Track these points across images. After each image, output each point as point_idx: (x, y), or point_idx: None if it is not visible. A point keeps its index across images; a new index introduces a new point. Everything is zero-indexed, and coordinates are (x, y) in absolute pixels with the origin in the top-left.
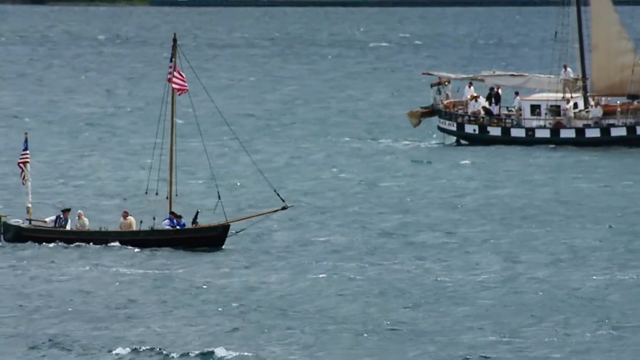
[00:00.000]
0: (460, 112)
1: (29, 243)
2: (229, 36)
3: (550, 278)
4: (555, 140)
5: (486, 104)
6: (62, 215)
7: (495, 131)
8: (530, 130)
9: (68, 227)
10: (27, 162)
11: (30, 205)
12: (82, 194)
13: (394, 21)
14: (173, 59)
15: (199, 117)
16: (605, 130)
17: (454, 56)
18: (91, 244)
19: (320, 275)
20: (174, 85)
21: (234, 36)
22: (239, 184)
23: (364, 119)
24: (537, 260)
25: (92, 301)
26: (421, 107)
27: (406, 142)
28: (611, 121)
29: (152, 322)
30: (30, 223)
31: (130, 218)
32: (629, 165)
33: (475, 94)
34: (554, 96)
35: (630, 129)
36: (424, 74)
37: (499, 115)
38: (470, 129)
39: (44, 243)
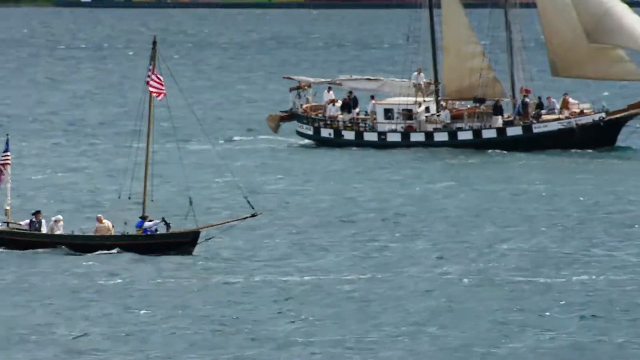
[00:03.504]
0: (319, 116)
1: (4, 246)
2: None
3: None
4: (405, 144)
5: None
6: (34, 219)
7: (349, 135)
8: (382, 134)
9: (44, 230)
10: (8, 164)
11: (9, 207)
12: (55, 198)
13: (248, 22)
14: (152, 62)
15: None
16: (453, 134)
17: (313, 59)
18: (63, 247)
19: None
20: (151, 89)
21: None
22: (211, 189)
23: (223, 121)
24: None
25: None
26: (280, 111)
27: (266, 145)
28: (459, 125)
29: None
30: (7, 226)
31: (106, 222)
32: (475, 169)
33: (333, 98)
34: (406, 100)
35: (476, 132)
36: (284, 77)
37: (355, 119)
38: (326, 132)
39: (19, 246)
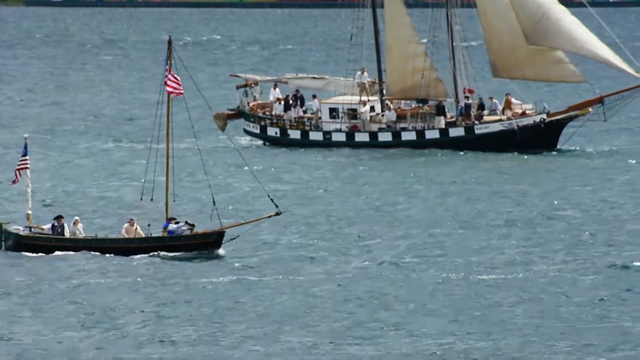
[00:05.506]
0: (266, 114)
1: (28, 251)
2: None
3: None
4: (350, 144)
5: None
6: (56, 223)
7: (295, 134)
8: (327, 134)
9: (67, 234)
10: (27, 168)
11: (30, 212)
12: (77, 201)
13: (195, 21)
14: (168, 62)
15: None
16: (397, 134)
17: (258, 57)
18: (89, 251)
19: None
20: (168, 89)
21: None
22: (232, 188)
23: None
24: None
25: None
26: (227, 109)
27: (216, 145)
28: (402, 125)
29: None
30: (30, 230)
31: (137, 226)
32: (417, 167)
33: (279, 96)
34: (351, 99)
35: (419, 132)
36: (231, 75)
37: (301, 118)
38: (272, 131)
39: (43, 250)
